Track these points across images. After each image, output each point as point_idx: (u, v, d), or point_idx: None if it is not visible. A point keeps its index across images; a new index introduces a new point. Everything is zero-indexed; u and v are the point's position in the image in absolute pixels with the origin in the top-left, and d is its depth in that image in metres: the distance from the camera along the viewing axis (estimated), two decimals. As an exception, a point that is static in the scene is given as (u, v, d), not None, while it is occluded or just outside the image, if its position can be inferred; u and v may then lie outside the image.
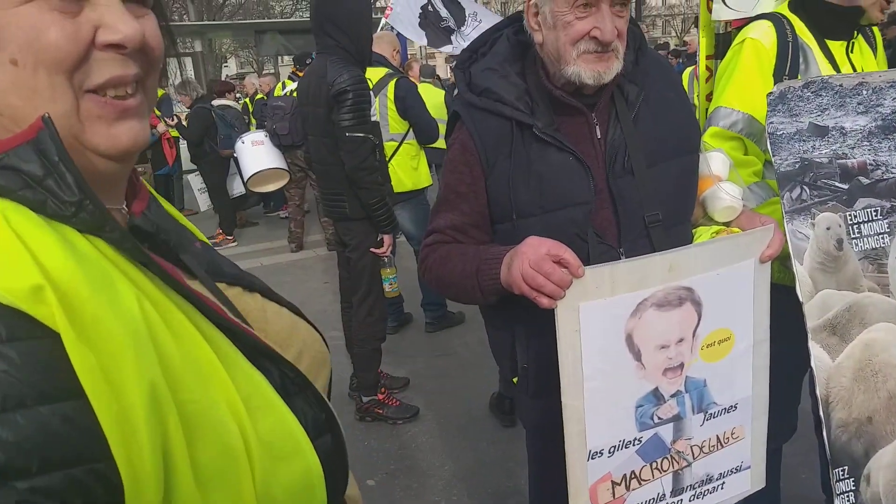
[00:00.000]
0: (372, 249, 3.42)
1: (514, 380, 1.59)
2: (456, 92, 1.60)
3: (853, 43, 1.94)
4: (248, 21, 21.93)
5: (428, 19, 7.40)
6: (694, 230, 1.57)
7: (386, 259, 3.48)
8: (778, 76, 1.85)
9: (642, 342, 1.29)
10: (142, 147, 0.64)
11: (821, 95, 1.58)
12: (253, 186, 7.15)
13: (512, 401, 3.28)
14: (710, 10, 2.10)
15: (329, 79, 3.14)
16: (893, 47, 8.64)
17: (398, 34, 7.34)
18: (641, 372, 1.32)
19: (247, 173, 6.93)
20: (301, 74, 6.90)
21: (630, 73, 1.47)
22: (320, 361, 0.81)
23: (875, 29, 2.01)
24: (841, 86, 1.59)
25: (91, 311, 0.49)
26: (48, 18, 0.56)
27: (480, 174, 1.48)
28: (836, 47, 1.92)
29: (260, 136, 6.89)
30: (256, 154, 6.82)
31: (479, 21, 7.60)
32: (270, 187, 7.18)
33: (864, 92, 1.59)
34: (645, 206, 1.45)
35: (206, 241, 0.83)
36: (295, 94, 6.78)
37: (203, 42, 14.62)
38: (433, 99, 6.75)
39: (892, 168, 1.59)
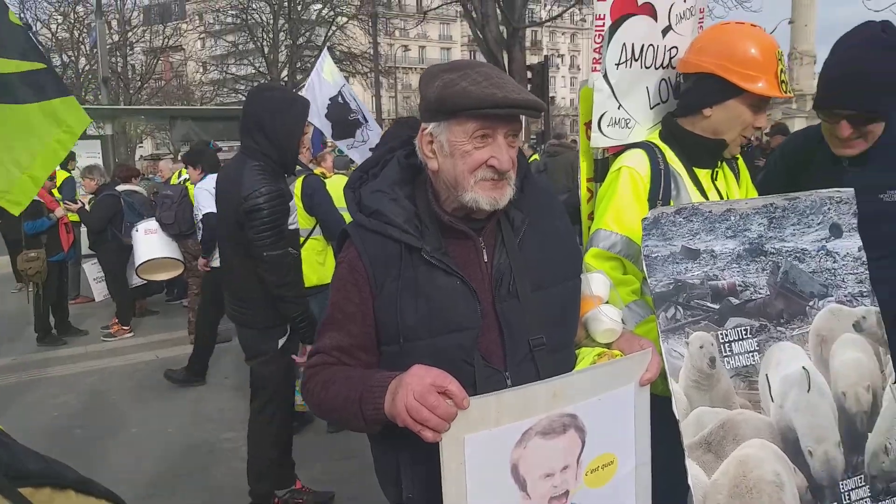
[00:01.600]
0: (295, 358, 3.25)
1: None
2: None
3: (717, 171, 2.10)
4: (160, 107, 21.77)
5: (335, 111, 7.57)
6: (577, 351, 1.59)
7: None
8: (652, 201, 1.97)
9: (527, 472, 1.28)
10: None
11: (692, 221, 1.67)
12: (144, 274, 7.01)
13: None
14: (588, 138, 2.23)
15: (243, 191, 3.03)
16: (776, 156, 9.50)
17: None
18: (527, 502, 1.29)
19: (137, 261, 6.87)
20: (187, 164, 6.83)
21: (516, 200, 1.51)
22: None
23: (739, 157, 2.19)
24: (710, 212, 1.69)
25: None
26: None
27: (368, 295, 1.46)
28: (703, 175, 2.07)
29: (153, 224, 6.80)
30: (149, 242, 6.79)
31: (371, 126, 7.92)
32: (162, 276, 7.09)
33: (732, 218, 1.70)
34: (530, 330, 1.47)
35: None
36: (187, 184, 6.71)
37: (115, 125, 14.32)
38: (346, 190, 6.80)
39: (760, 289, 1.68)
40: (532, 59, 22.77)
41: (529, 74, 17.55)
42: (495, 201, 1.43)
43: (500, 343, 1.45)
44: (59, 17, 35.15)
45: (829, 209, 1.76)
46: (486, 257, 1.49)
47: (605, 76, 2.16)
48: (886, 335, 1.74)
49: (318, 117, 7.91)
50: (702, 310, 1.64)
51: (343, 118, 7.59)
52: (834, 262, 1.74)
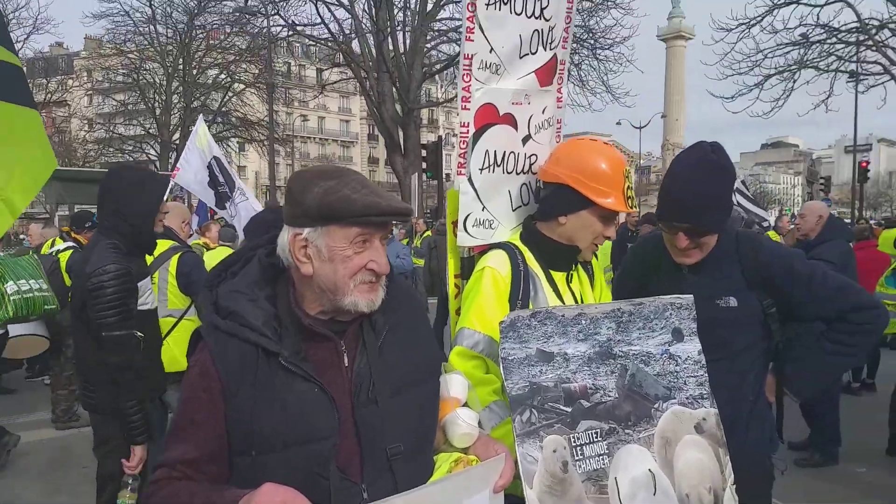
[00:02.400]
0: (123, 461, 2.95)
1: None
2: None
3: (573, 274, 2.23)
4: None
5: (213, 180, 7.49)
6: (435, 456, 1.58)
7: (130, 479, 2.91)
8: (512, 300, 2.05)
9: None
10: None
11: (546, 324, 1.74)
12: (7, 353, 6.33)
13: None
14: (455, 236, 2.31)
15: (88, 268, 2.89)
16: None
17: None
18: None
19: None
20: (75, 236, 6.44)
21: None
22: None
23: (593, 261, 2.34)
24: (563, 315, 1.77)
25: None
26: None
27: (220, 402, 1.40)
28: (559, 277, 2.19)
29: None
30: None
31: (246, 198, 7.87)
32: (24, 354, 6.39)
33: (584, 321, 1.78)
34: (388, 438, 1.44)
35: None
36: (60, 255, 6.30)
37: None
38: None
39: (609, 391, 1.76)
40: (429, 136, 23.46)
41: (424, 152, 18.06)
42: (373, 303, 1.45)
43: (358, 453, 1.42)
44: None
45: (671, 314, 1.88)
46: (346, 361, 1.47)
47: (470, 179, 2.28)
48: (725, 436, 1.85)
49: (200, 185, 7.75)
50: (555, 413, 1.68)
51: (215, 188, 7.50)
52: (676, 366, 1.85)
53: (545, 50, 2.40)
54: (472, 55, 2.22)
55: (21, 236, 11.45)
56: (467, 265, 2.36)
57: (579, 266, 2.26)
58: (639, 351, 1.82)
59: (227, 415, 1.40)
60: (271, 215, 3.14)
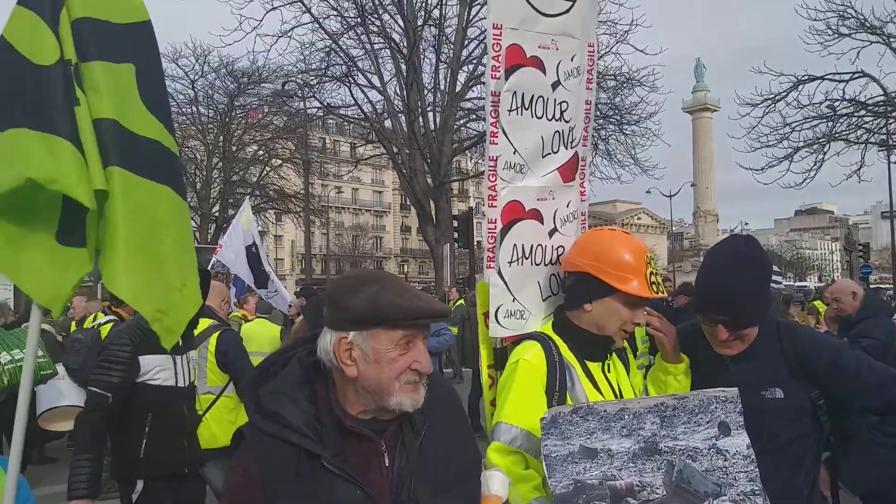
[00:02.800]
0: None
1: None
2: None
3: (608, 363, 2.22)
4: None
5: (252, 260, 7.72)
6: None
7: None
8: (549, 393, 2.04)
9: None
10: None
11: (588, 420, 1.73)
12: (45, 424, 6.41)
13: None
14: (487, 327, 2.35)
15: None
16: (688, 312, 10.00)
17: None
18: None
19: (38, 409, 6.24)
20: (115, 310, 6.62)
21: None
22: None
23: (626, 346, 2.34)
24: (605, 411, 1.75)
25: None
26: None
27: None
28: (595, 367, 2.18)
29: (60, 369, 6.36)
30: (52, 388, 6.23)
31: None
32: (65, 426, 6.45)
33: (626, 417, 1.77)
34: None
35: None
36: (101, 328, 6.46)
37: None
38: (268, 333, 6.70)
39: (657, 489, 1.72)
40: (459, 206, 23.76)
41: (455, 223, 18.29)
42: (417, 402, 1.48)
43: None
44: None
45: (716, 408, 1.85)
46: (387, 461, 1.48)
47: (500, 272, 2.34)
48: None
49: (242, 265, 7.98)
50: (601, 512, 1.65)
51: (257, 267, 7.72)
52: (725, 461, 1.81)
53: (566, 149, 2.51)
54: (496, 157, 2.32)
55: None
56: (500, 356, 2.38)
57: (614, 354, 2.25)
58: (685, 446, 1.79)
59: None
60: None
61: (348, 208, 67.68)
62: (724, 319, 2.19)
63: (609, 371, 2.21)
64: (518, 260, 2.37)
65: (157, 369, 3.37)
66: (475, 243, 18.92)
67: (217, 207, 32.47)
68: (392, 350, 1.44)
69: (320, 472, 1.40)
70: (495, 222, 2.32)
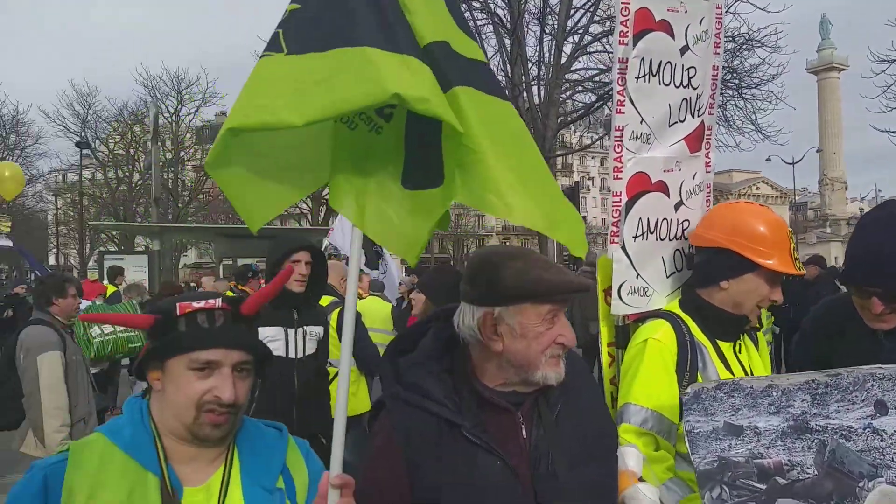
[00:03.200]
0: None
1: None
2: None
3: (740, 343, 2.13)
4: (206, 225, 22.79)
5: (365, 241, 7.93)
6: None
7: None
8: (680, 374, 1.99)
9: None
10: None
11: (733, 396, 1.67)
12: None
13: None
14: (608, 304, 2.30)
15: None
16: (817, 285, 9.40)
17: None
18: None
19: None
20: (241, 288, 7.04)
21: None
22: None
23: (757, 327, 2.23)
24: (752, 387, 1.69)
25: None
26: None
27: (403, 472, 1.47)
28: (726, 347, 2.10)
29: None
30: None
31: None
32: None
33: (774, 394, 1.70)
34: None
35: None
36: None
37: (164, 240, 14.94)
38: (381, 312, 6.91)
39: (807, 468, 1.65)
40: (563, 181, 23.34)
41: (561, 199, 17.98)
42: (560, 375, 1.49)
43: None
44: (117, 136, 37.63)
45: (872, 386, 1.74)
46: (524, 433, 1.50)
47: (624, 248, 2.28)
48: None
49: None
50: (748, 490, 1.60)
51: (368, 248, 7.95)
52: (881, 441, 1.70)
53: (693, 117, 2.41)
54: (622, 127, 2.26)
55: (192, 285, 12.69)
56: (622, 333, 2.34)
57: (745, 336, 2.16)
58: (838, 425, 1.70)
59: (412, 484, 1.46)
60: (452, 279, 3.29)
61: (451, 186, 68.12)
62: (878, 291, 2.03)
63: (740, 352, 2.13)
64: (643, 235, 2.31)
65: (266, 340, 3.49)
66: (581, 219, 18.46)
67: (327, 189, 33.61)
68: (540, 324, 1.46)
69: (460, 441, 1.45)
70: (620, 195, 2.27)
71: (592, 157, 71.15)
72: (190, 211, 35.83)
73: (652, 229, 2.32)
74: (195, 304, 1.37)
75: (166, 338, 1.36)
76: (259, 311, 1.45)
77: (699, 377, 2.01)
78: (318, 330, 3.91)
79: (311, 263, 3.68)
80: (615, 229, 2.30)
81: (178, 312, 1.37)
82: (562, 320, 1.49)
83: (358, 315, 4.84)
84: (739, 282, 2.05)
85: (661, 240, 2.35)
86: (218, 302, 1.39)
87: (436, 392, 1.48)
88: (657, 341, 2.04)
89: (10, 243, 9.41)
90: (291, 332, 3.69)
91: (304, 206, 36.53)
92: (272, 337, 3.60)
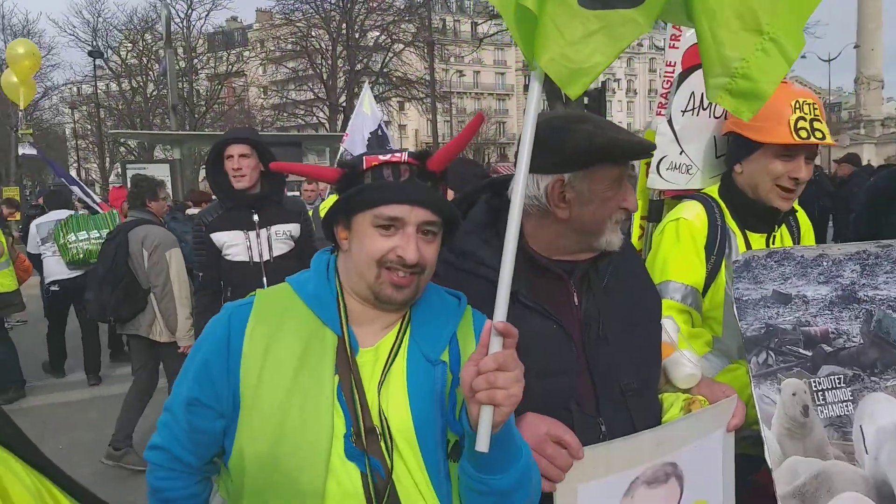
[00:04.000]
0: None
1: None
2: None
3: (775, 235, 2.07)
4: (224, 133, 22.78)
5: (375, 143, 7.85)
6: (660, 397, 1.59)
7: None
8: (707, 256, 1.97)
9: None
10: None
11: (783, 265, 1.66)
12: None
13: None
14: (646, 176, 2.25)
15: None
16: (848, 184, 9.22)
17: None
18: None
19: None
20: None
21: None
22: None
23: (801, 215, 2.17)
24: (802, 256, 1.68)
25: None
26: None
27: None
28: (757, 239, 2.04)
29: None
30: None
31: None
32: None
33: (825, 263, 1.68)
34: (620, 375, 1.48)
35: None
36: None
37: (183, 149, 14.92)
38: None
39: (853, 337, 1.66)
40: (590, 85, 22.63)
41: (586, 100, 17.49)
42: (620, 241, 1.49)
43: (592, 388, 1.46)
44: (128, 44, 36.98)
45: (924, 257, 1.72)
46: (576, 300, 1.51)
47: (670, 121, 2.20)
48: None
49: (360, 149, 8.19)
50: (794, 356, 1.62)
51: (382, 150, 7.90)
52: (930, 312, 1.70)
53: None
54: None
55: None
56: (655, 208, 2.30)
57: (783, 228, 2.10)
58: (886, 296, 1.69)
59: None
60: (464, 168, 3.23)
61: (470, 93, 66.57)
62: None
63: (774, 243, 2.07)
64: (694, 110, 2.22)
65: (225, 245, 3.51)
66: (605, 122, 18.02)
67: (343, 98, 33.14)
68: (608, 188, 1.43)
69: (515, 306, 1.45)
70: (674, 65, 2.17)
71: (619, 58, 68.61)
72: (206, 121, 35.62)
73: (704, 105, 2.23)
74: (381, 157, 1.30)
75: (352, 192, 1.30)
76: (447, 168, 1.35)
77: (724, 263, 1.97)
78: (290, 228, 3.68)
79: (251, 157, 3.47)
80: (663, 101, 2.22)
81: (364, 166, 1.31)
82: (626, 185, 1.46)
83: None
84: (749, 162, 1.98)
85: (716, 117, 2.25)
86: (404, 156, 1.31)
87: (490, 259, 1.48)
88: (688, 221, 2.01)
89: (34, 151, 9.42)
90: (253, 234, 3.52)
91: (322, 114, 36.12)
92: (230, 241, 3.50)
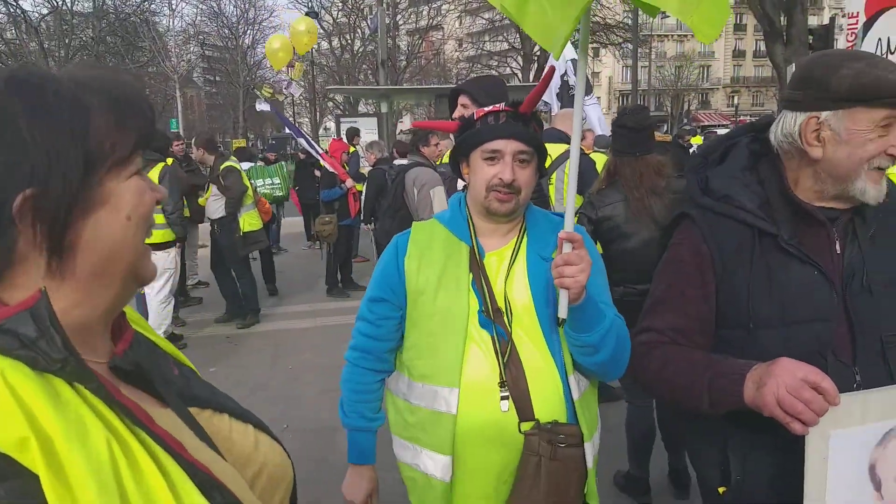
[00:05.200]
0: None
1: (721, 489, 1.54)
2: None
3: None
4: (427, 87, 23.86)
5: (563, 88, 7.76)
6: None
7: None
8: None
9: (884, 473, 1.26)
10: None
11: None
12: None
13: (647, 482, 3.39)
14: None
15: None
16: None
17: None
18: (880, 503, 1.28)
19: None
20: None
21: None
22: (279, 476, 0.93)
23: None
24: None
25: (65, 456, 0.60)
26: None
27: (712, 279, 1.50)
28: None
29: None
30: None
31: (596, 101, 7.95)
32: None
33: None
34: (882, 326, 1.41)
35: (190, 365, 0.96)
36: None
37: (389, 103, 15.77)
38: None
39: None
40: (811, 20, 20.31)
41: (811, 39, 15.62)
42: (879, 195, 1.39)
43: (849, 338, 1.41)
44: (339, 2, 39.42)
45: None
46: (838, 248, 1.45)
47: None
48: None
49: (549, 93, 8.03)
50: None
51: (564, 92, 7.75)
52: None
53: None
54: None
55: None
56: None
57: None
58: None
59: (720, 290, 1.49)
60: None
61: (671, 36, 62.26)
62: None
63: None
64: (882, 56, 1.94)
65: None
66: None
67: (537, 47, 32.65)
68: (869, 131, 1.34)
69: (774, 251, 1.43)
70: (857, 16, 1.92)
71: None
72: (405, 77, 37.13)
73: (892, 50, 1.97)
74: (486, 109, 1.70)
75: (467, 135, 1.71)
76: (535, 109, 1.72)
77: None
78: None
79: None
80: None
81: (475, 117, 1.71)
82: (895, 131, 1.34)
83: (592, 163, 4.80)
84: None
85: None
86: (501, 106, 1.70)
87: (750, 203, 1.47)
88: None
89: (267, 107, 10.57)
90: None
91: (515, 64, 35.99)
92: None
